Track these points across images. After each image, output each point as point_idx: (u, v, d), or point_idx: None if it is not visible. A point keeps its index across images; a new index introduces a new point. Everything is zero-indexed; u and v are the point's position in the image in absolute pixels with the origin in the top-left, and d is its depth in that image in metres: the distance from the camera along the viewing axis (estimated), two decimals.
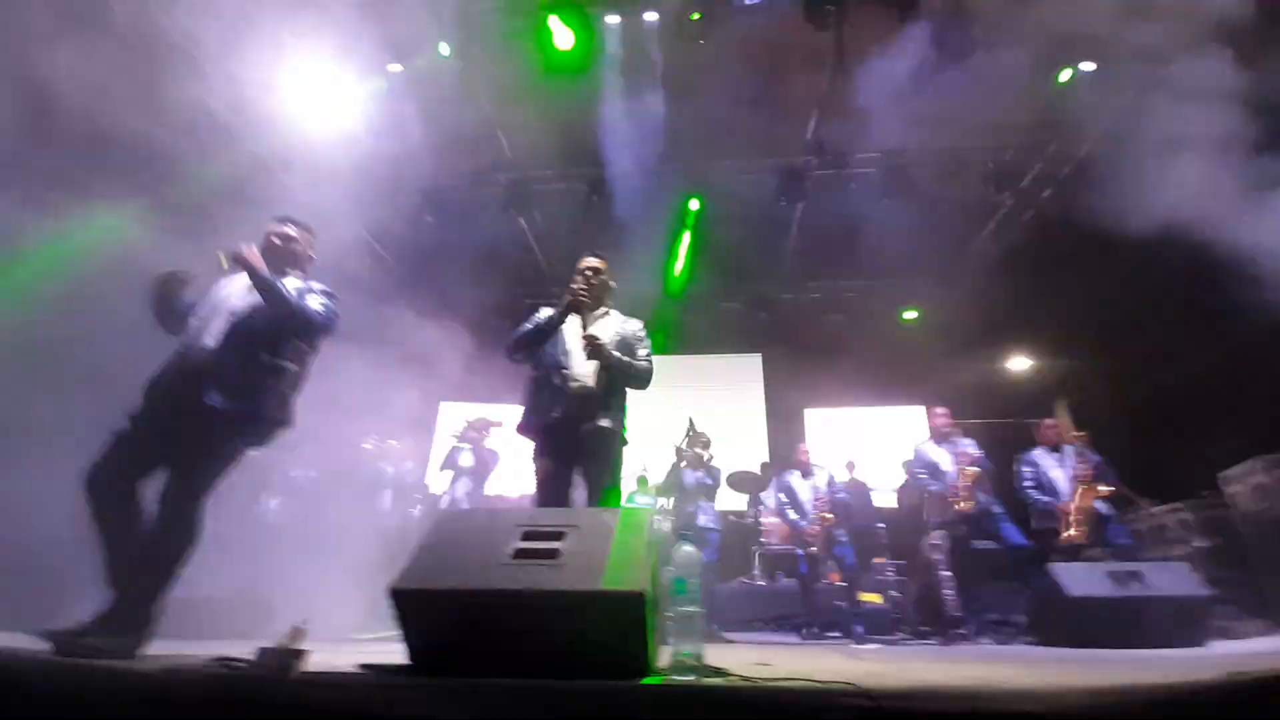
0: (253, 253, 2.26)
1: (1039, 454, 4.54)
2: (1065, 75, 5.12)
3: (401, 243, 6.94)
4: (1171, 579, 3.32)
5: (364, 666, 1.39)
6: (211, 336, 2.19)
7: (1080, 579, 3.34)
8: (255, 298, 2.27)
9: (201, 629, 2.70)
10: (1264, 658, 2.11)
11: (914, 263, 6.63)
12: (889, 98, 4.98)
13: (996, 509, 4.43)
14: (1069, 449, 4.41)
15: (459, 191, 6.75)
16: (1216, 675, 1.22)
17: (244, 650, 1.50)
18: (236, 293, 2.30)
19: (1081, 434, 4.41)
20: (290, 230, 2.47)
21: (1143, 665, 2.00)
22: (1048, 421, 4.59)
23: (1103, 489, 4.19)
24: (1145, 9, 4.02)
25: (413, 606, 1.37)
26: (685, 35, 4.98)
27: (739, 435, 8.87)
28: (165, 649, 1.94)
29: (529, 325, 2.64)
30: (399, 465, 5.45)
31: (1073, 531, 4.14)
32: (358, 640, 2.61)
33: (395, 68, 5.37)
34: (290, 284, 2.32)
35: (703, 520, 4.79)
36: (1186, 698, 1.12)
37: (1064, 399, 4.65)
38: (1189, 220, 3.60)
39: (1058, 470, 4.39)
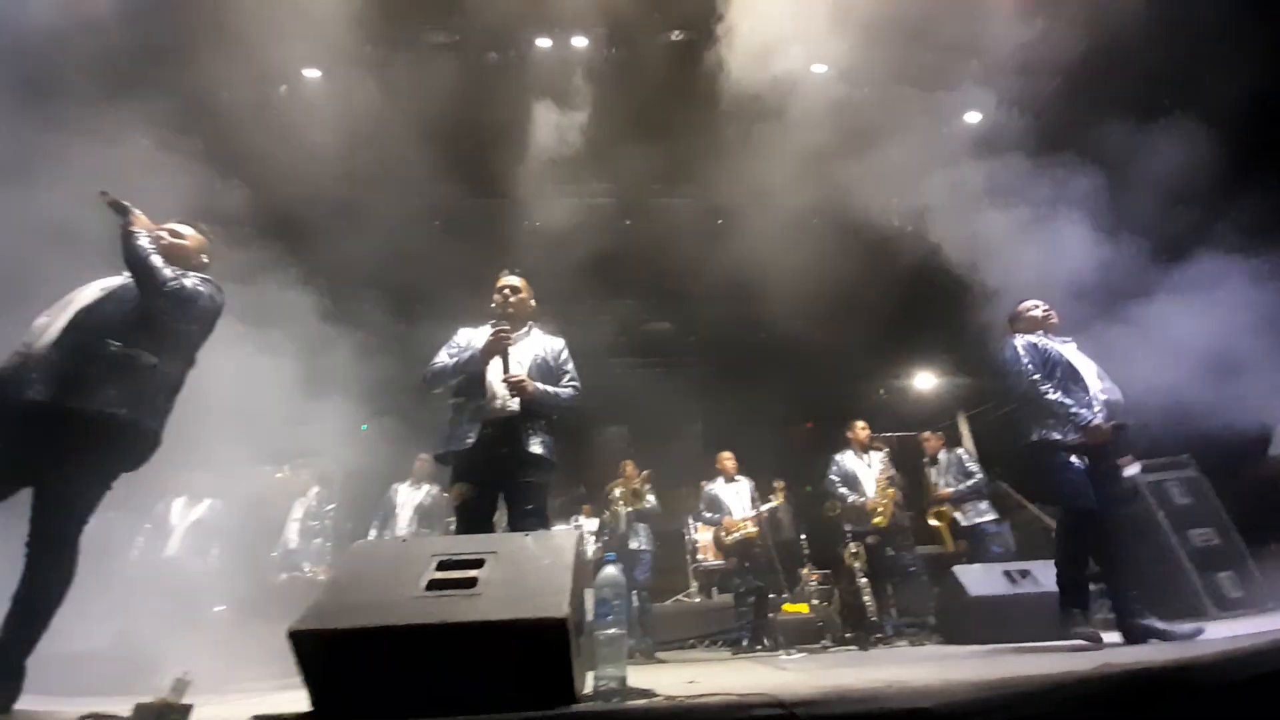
0: (133, 209, 2.09)
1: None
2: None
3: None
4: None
5: (258, 718, 1.28)
6: (53, 332, 1.94)
7: (979, 579, 3.60)
8: (111, 288, 2.07)
9: (70, 683, 2.36)
10: (1132, 649, 2.37)
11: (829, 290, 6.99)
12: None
13: (905, 524, 4.72)
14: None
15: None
16: (1089, 668, 1.36)
17: (120, 706, 1.37)
18: (91, 289, 2.09)
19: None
20: (182, 229, 2.30)
21: (1028, 657, 2.18)
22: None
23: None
24: None
25: (315, 649, 1.28)
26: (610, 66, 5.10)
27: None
28: (33, 706, 1.70)
29: (446, 359, 2.54)
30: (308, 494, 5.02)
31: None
32: (252, 691, 2.38)
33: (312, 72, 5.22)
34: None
35: (634, 544, 4.77)
36: (1057, 688, 1.24)
37: (962, 411, 5.08)
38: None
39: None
